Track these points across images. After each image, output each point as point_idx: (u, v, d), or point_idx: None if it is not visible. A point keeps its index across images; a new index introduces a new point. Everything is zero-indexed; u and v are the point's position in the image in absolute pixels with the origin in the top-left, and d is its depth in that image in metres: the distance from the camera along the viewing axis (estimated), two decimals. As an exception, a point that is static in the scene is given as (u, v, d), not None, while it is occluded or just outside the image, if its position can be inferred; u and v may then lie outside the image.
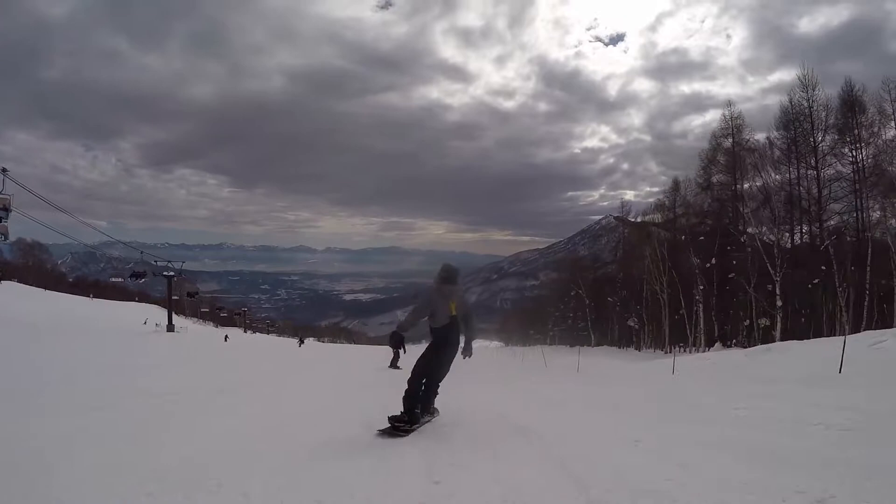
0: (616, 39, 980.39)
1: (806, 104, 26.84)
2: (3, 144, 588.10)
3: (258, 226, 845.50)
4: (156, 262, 48.14)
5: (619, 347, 43.13)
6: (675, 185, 36.02)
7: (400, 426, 4.75)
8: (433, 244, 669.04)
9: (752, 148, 29.75)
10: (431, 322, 5.24)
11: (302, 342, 53.31)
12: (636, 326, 41.66)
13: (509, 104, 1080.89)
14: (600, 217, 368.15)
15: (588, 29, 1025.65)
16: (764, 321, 25.74)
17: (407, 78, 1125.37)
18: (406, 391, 5.02)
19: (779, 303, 25.31)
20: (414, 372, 5.17)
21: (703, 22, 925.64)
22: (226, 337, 46.54)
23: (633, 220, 47.09)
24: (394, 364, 15.08)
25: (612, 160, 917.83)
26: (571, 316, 53.62)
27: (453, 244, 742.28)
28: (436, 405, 5.51)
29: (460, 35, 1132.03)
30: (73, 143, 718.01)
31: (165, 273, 46.49)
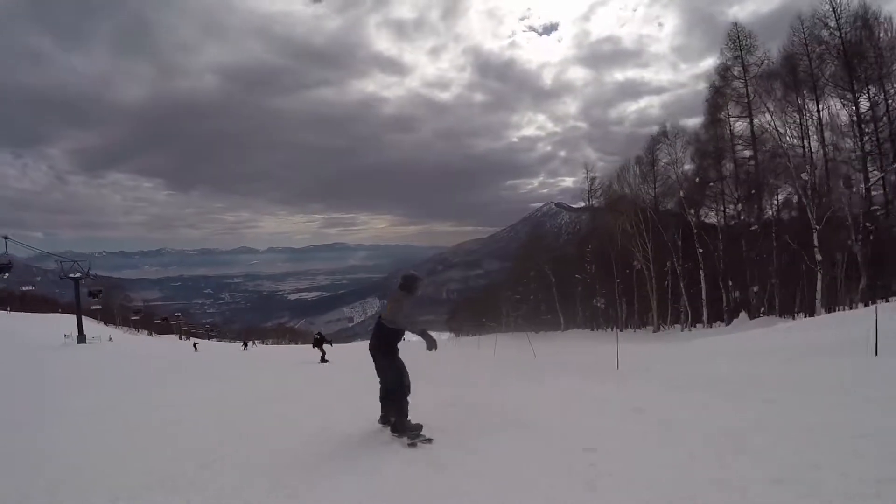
0: (550, 29, 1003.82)
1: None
2: None
3: (196, 229, 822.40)
4: (88, 271, 41.64)
5: (592, 329, 40.92)
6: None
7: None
8: (376, 238, 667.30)
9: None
10: (390, 325, 4.94)
11: (246, 345, 50.10)
12: (602, 306, 39.63)
13: (445, 95, 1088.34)
14: (541, 204, 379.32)
15: (521, 19, 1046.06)
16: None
17: (341, 72, 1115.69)
18: (396, 407, 4.95)
19: (818, 257, 22.95)
20: (397, 385, 4.95)
21: (635, 10, 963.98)
22: (195, 345, 42.80)
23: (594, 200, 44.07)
24: (323, 359, 19.44)
25: (549, 148, 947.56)
26: (532, 298, 51.19)
27: (396, 237, 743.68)
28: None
29: (394, 27, 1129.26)
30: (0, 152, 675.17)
31: (72, 275, 40.17)
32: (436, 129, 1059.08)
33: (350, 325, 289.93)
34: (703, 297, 27.80)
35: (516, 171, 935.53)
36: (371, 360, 5.09)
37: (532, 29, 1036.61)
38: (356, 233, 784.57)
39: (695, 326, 28.78)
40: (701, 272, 27.71)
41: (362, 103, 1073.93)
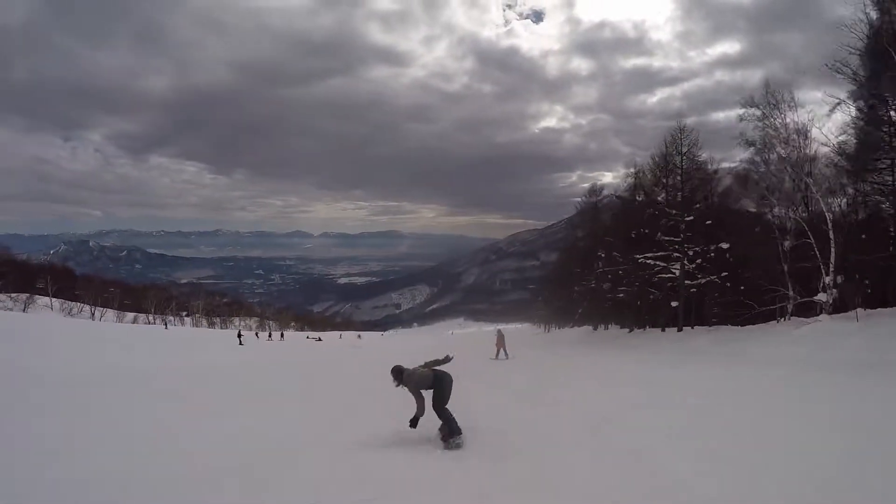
0: (539, 16, 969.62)
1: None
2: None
3: (249, 212, 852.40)
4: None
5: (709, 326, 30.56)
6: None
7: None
8: (427, 228, 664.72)
9: None
10: (423, 389, 6.63)
11: (240, 337, 36.07)
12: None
13: (453, 86, 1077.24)
14: (601, 196, 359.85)
15: (509, 6, 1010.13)
16: None
17: (345, 63, 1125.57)
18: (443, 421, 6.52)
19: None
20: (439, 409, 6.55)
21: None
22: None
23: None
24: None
25: (578, 140, 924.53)
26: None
27: (447, 227, 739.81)
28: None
29: (378, 20, 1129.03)
30: (49, 136, 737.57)
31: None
32: (453, 120, 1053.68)
33: (397, 311, 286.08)
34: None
35: (552, 166, 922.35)
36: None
37: (524, 16, 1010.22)
38: (406, 221, 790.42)
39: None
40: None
41: (373, 93, 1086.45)
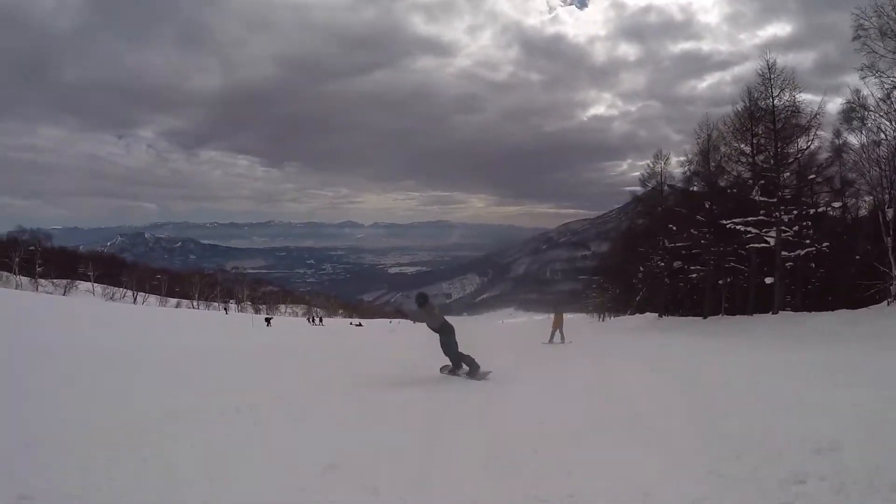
0: (579, 1, 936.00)
1: None
2: (36, 139, 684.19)
3: (300, 203, 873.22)
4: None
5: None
6: None
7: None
8: (476, 217, 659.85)
9: None
10: (431, 326, 8.21)
11: (269, 321, 36.15)
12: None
13: (500, 76, 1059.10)
14: (652, 185, 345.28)
15: None
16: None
17: (390, 55, 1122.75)
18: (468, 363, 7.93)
19: None
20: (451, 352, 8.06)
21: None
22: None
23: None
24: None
25: (627, 127, 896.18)
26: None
27: (497, 217, 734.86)
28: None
29: (422, 11, 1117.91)
30: (102, 133, 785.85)
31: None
32: (500, 109, 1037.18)
33: (448, 300, 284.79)
34: None
35: (601, 154, 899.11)
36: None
37: (568, 2, 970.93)
38: (456, 211, 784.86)
39: None
40: None
41: (419, 84, 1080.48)
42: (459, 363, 7.97)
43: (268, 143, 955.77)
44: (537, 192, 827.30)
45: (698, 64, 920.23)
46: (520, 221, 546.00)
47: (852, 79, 17.87)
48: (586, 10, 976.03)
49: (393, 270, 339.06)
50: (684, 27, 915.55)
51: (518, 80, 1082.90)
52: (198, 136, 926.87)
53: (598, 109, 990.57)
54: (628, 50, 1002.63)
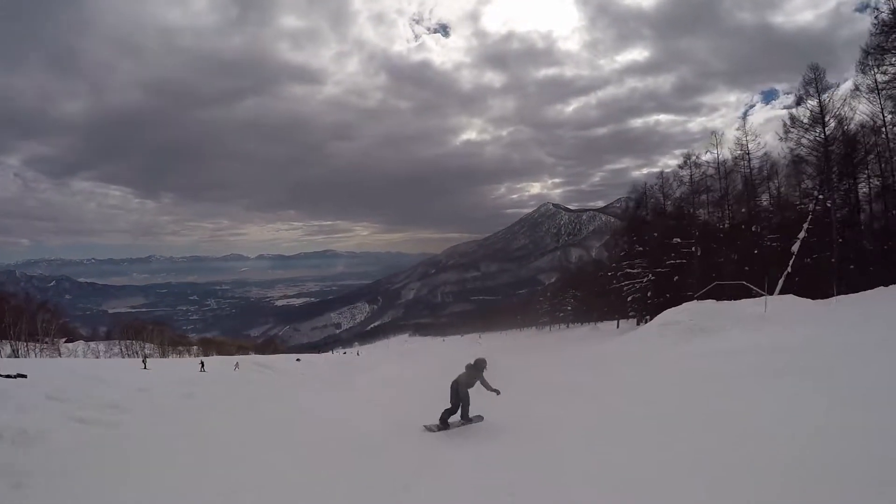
0: (446, 30, 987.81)
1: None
2: None
3: (181, 237, 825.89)
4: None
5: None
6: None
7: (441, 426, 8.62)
8: (363, 246, 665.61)
9: None
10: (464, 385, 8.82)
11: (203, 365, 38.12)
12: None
13: (369, 102, 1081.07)
14: (538, 205, 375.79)
15: (417, 21, 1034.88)
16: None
17: (260, 82, 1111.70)
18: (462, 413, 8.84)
19: None
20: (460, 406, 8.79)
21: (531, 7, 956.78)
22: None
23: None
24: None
25: (500, 151, 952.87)
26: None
27: (384, 245, 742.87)
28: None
29: (287, 38, 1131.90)
30: None
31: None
32: (374, 136, 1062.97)
33: (337, 331, 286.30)
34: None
35: (478, 178, 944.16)
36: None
37: (432, 30, 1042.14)
38: (342, 240, 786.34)
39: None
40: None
41: (292, 111, 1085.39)
42: (466, 412, 8.59)
43: (141, 173, 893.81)
44: (420, 218, 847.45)
45: (563, 89, 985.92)
46: (405, 248, 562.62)
47: (710, 99, 25.55)
48: (451, 37, 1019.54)
49: (280, 303, 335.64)
50: (546, 54, 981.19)
51: (388, 106, 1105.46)
52: (67, 164, 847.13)
53: (470, 135, 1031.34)
54: (494, 77, 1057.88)
